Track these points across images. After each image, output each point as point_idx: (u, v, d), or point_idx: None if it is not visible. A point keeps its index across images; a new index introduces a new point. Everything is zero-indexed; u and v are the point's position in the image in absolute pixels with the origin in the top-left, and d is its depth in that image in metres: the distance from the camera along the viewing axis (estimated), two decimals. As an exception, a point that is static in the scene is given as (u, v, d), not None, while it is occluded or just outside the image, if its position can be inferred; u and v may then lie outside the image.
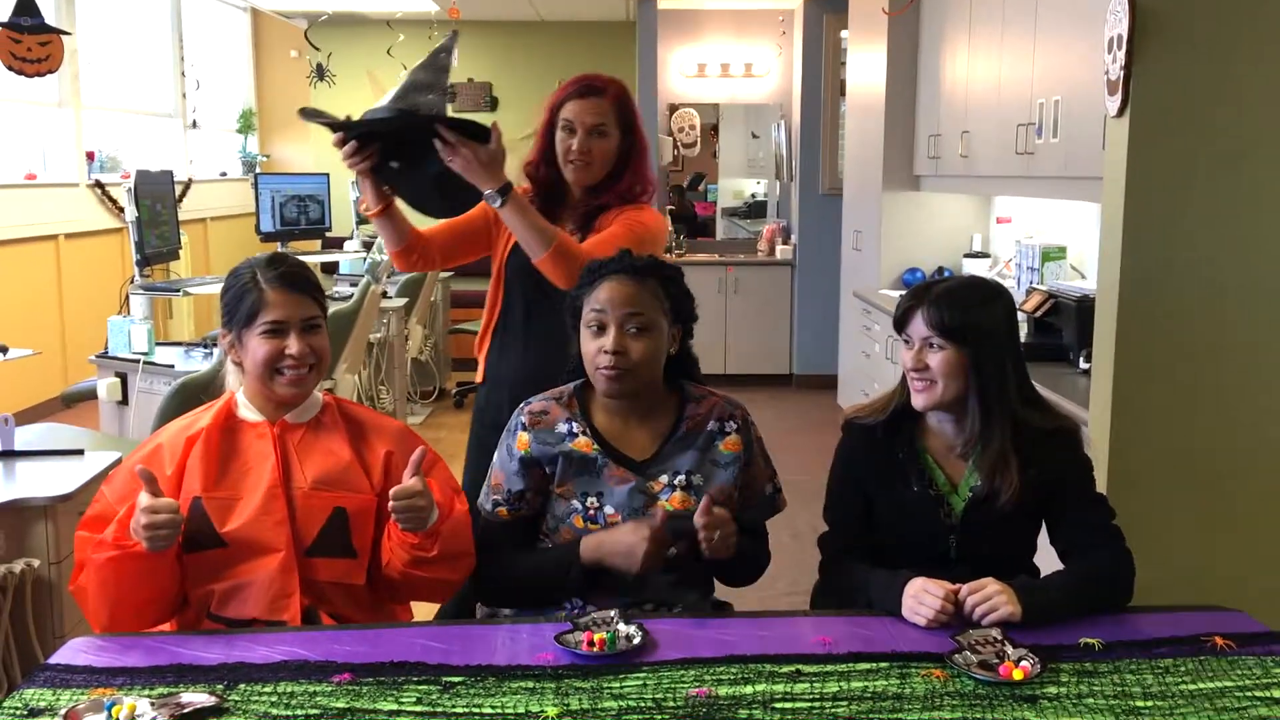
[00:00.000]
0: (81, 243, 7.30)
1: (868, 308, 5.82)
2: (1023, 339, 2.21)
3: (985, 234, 5.85)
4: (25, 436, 3.18)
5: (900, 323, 2.07)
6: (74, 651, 1.79)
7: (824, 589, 2.17)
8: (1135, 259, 2.58)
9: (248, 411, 2.09)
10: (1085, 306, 3.52)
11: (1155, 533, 2.60)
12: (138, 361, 4.12)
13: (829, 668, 1.71)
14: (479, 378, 2.84)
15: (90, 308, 6.98)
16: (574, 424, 2.10)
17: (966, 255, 5.73)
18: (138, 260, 4.31)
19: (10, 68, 3.82)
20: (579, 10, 9.63)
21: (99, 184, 7.50)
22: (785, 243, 8.11)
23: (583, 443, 2.08)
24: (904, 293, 2.10)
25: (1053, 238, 4.85)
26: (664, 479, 2.07)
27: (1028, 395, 2.08)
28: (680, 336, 2.14)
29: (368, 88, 9.92)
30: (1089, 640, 1.79)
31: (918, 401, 2.04)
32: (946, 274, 5.73)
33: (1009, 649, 1.73)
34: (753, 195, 8.98)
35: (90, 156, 7.56)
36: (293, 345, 2.02)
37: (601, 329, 2.04)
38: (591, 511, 2.06)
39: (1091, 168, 3.60)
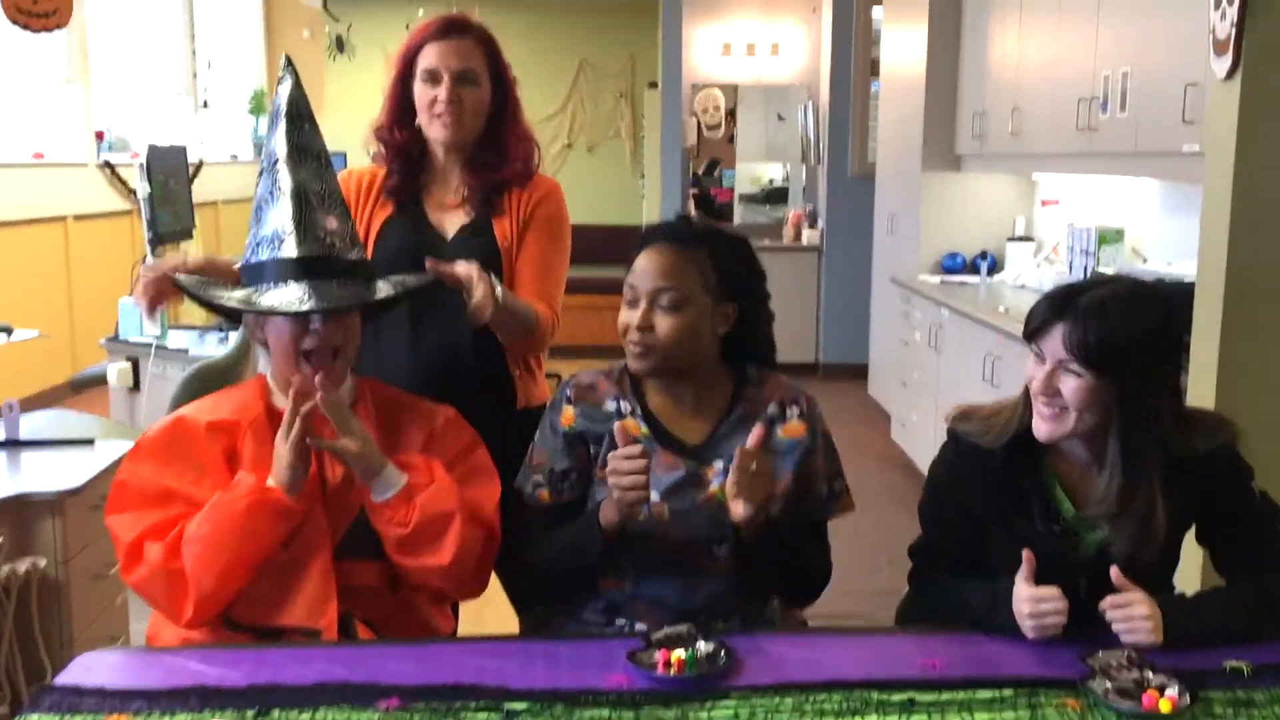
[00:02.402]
0: (91, 225, 7.10)
1: (907, 294, 5.60)
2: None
3: (1029, 217, 5.61)
4: (31, 424, 2.99)
5: (1033, 333, 1.72)
6: (85, 669, 1.58)
7: (913, 604, 1.94)
8: (1245, 238, 2.35)
9: (279, 398, 1.90)
10: (1161, 291, 3.30)
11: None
12: (150, 346, 3.92)
13: (945, 696, 1.49)
14: None
15: (100, 292, 6.76)
16: (623, 402, 1.91)
17: (1010, 239, 5.50)
18: (150, 239, 4.11)
19: (15, 22, 3.55)
20: (601, -12, 9.40)
21: (108, 164, 7.30)
22: (812, 228, 7.88)
23: (630, 424, 1.88)
24: (1042, 296, 1.75)
25: (1105, 219, 4.62)
26: (717, 465, 1.86)
27: (1181, 414, 1.76)
28: (737, 315, 1.91)
29: (383, 66, 9.72)
30: (1235, 664, 1.57)
31: (1040, 430, 1.70)
32: (990, 259, 5.50)
33: (1149, 674, 1.52)
34: (770, 181, 8.74)
35: (100, 136, 7.35)
36: (316, 321, 1.82)
37: (634, 302, 1.85)
38: None
39: (1166, 142, 3.38)
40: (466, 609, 2.17)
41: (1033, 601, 1.65)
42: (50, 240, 6.78)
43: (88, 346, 6.51)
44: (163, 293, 1.94)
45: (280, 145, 1.85)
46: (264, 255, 1.82)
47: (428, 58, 2.19)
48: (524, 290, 2.23)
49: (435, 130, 2.21)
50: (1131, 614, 1.62)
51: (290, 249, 1.81)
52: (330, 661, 1.59)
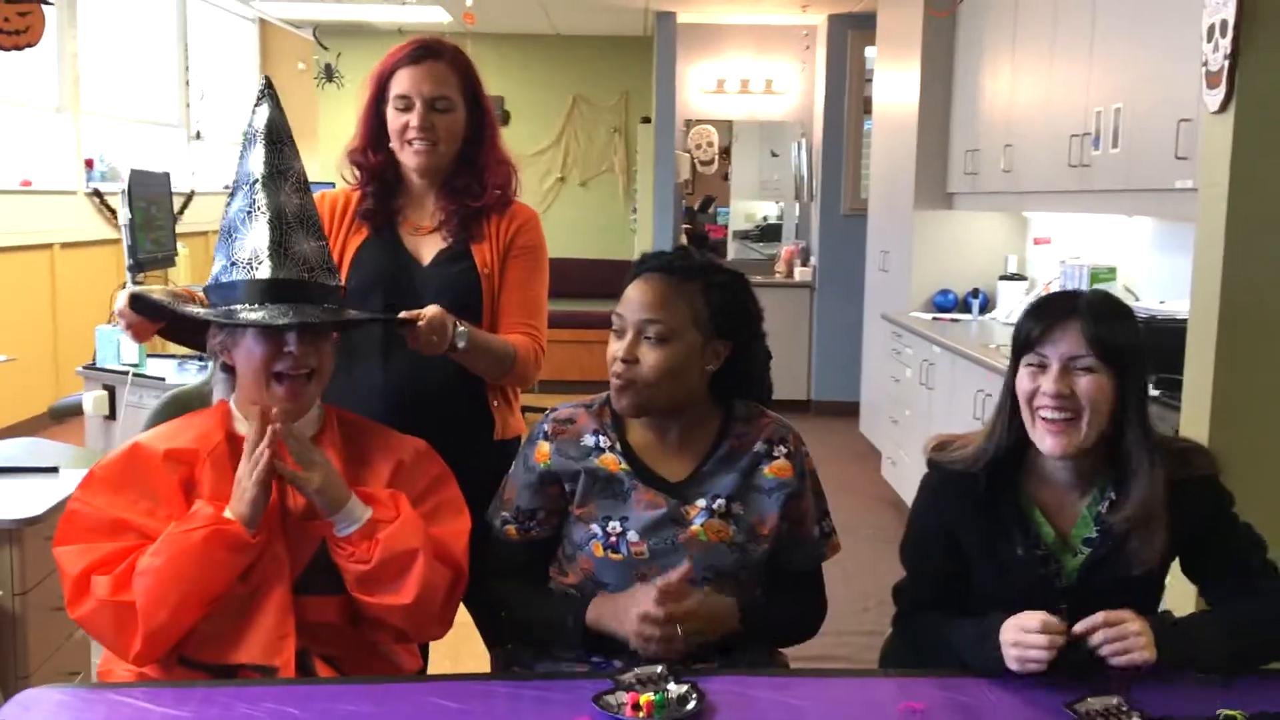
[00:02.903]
0: (78, 253, 7.04)
1: (898, 330, 5.55)
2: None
3: (1021, 255, 5.58)
4: (2, 452, 2.92)
5: (1031, 341, 1.69)
6: (23, 707, 1.51)
7: (899, 645, 1.88)
8: (1240, 273, 2.30)
9: (242, 425, 1.82)
10: (1154, 328, 3.25)
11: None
12: (127, 374, 3.84)
13: (926, 743, 1.42)
14: None
15: (86, 320, 6.66)
16: (602, 437, 1.84)
17: (1002, 278, 5.46)
18: (130, 265, 4.04)
19: (-15, 40, 3.52)
20: (595, 24, 9.40)
21: (97, 192, 7.25)
22: (804, 265, 7.85)
23: (609, 460, 1.82)
24: (1031, 304, 1.76)
25: (1098, 258, 4.58)
26: (700, 503, 1.80)
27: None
28: (728, 353, 1.84)
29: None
30: (1230, 713, 1.50)
31: (1052, 446, 1.66)
32: (981, 297, 5.46)
33: (1138, 722, 1.45)
34: (764, 218, 8.72)
35: (89, 164, 7.31)
36: (291, 343, 1.75)
37: (621, 333, 1.80)
38: (613, 538, 1.79)
39: (1158, 179, 3.34)
40: (442, 644, 2.10)
41: (1019, 630, 1.58)
42: (37, 267, 6.72)
43: (71, 375, 6.43)
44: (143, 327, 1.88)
45: (258, 166, 1.81)
46: (239, 276, 1.77)
47: (400, 83, 2.14)
48: (509, 323, 2.19)
49: (408, 157, 2.17)
50: (1125, 630, 1.55)
51: (266, 271, 1.75)
52: (282, 701, 1.52)
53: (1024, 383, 1.70)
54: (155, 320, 1.86)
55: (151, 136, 8.47)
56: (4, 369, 5.87)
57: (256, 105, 1.84)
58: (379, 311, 2.08)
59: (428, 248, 2.21)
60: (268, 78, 1.88)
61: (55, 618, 2.47)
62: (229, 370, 1.85)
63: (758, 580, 1.88)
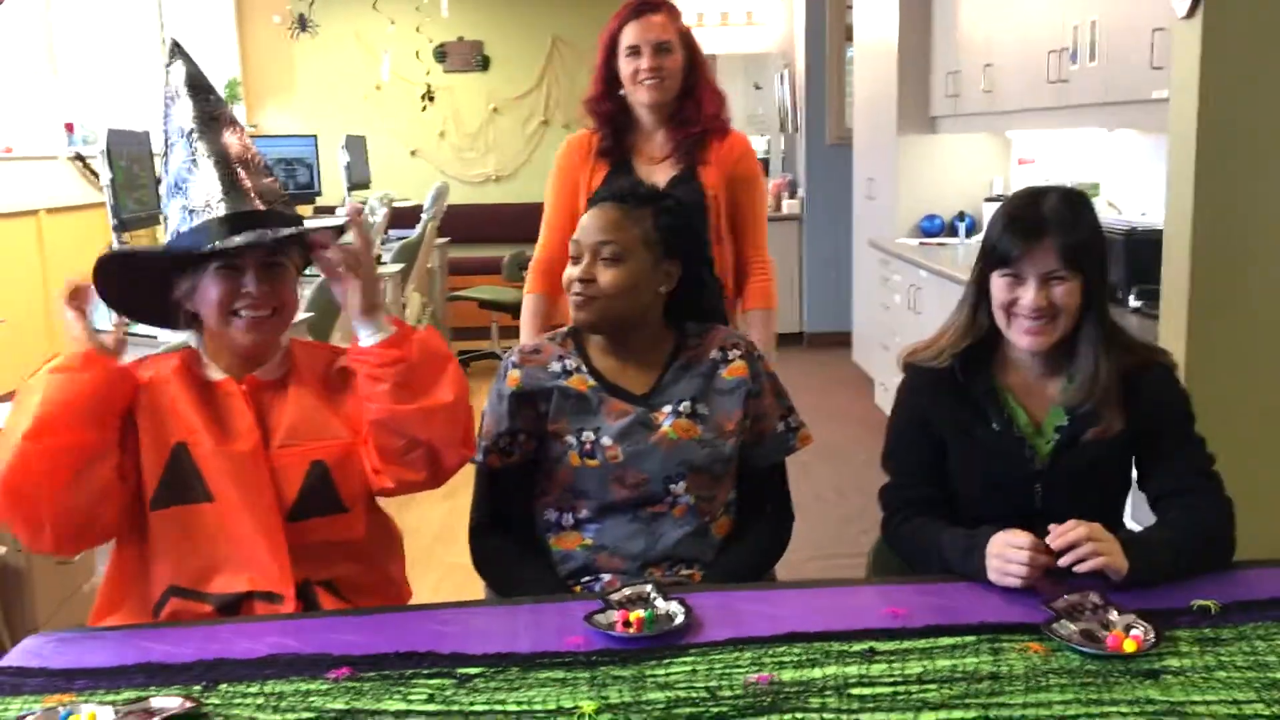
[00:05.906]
0: (64, 217, 7.02)
1: (886, 258, 5.56)
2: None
3: (1006, 177, 5.58)
4: (-3, 415, 2.95)
5: (1008, 257, 1.74)
6: (27, 652, 1.55)
7: (888, 548, 1.93)
8: (1211, 183, 2.32)
9: (212, 370, 1.83)
10: (1135, 240, 3.28)
11: (1238, 478, 2.36)
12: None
13: (906, 644, 1.47)
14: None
15: (75, 284, 6.69)
16: (568, 361, 1.96)
17: (987, 199, 5.47)
18: (115, 226, 4.03)
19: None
20: (573, -37, 9.29)
21: (79, 156, 7.22)
22: (792, 197, 7.84)
23: (577, 380, 1.93)
24: (1001, 215, 1.79)
25: (1081, 175, 4.59)
26: (666, 409, 1.92)
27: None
28: (680, 274, 1.96)
29: (353, 47, 9.63)
30: (1203, 602, 1.55)
31: (1029, 344, 1.76)
32: (968, 220, 5.46)
33: (1114, 615, 1.49)
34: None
35: (69, 128, 7.27)
36: (249, 284, 1.76)
37: (578, 258, 1.92)
38: (588, 446, 1.90)
39: (1135, 90, 3.35)
40: (441, 581, 2.14)
41: (1006, 545, 1.63)
42: (24, 234, 6.71)
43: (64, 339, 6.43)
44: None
45: (187, 118, 1.78)
46: (199, 220, 1.74)
47: (629, 36, 2.57)
48: (745, 243, 2.68)
49: (642, 95, 2.58)
50: (1104, 534, 1.60)
51: (224, 209, 1.73)
52: (283, 634, 1.56)
53: (1001, 293, 1.77)
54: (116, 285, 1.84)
55: (132, 96, 8.41)
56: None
57: (170, 64, 1.82)
58: None
59: (661, 175, 2.56)
60: (174, 40, 1.87)
61: (62, 571, 2.52)
62: (195, 316, 1.81)
63: (732, 478, 1.98)
